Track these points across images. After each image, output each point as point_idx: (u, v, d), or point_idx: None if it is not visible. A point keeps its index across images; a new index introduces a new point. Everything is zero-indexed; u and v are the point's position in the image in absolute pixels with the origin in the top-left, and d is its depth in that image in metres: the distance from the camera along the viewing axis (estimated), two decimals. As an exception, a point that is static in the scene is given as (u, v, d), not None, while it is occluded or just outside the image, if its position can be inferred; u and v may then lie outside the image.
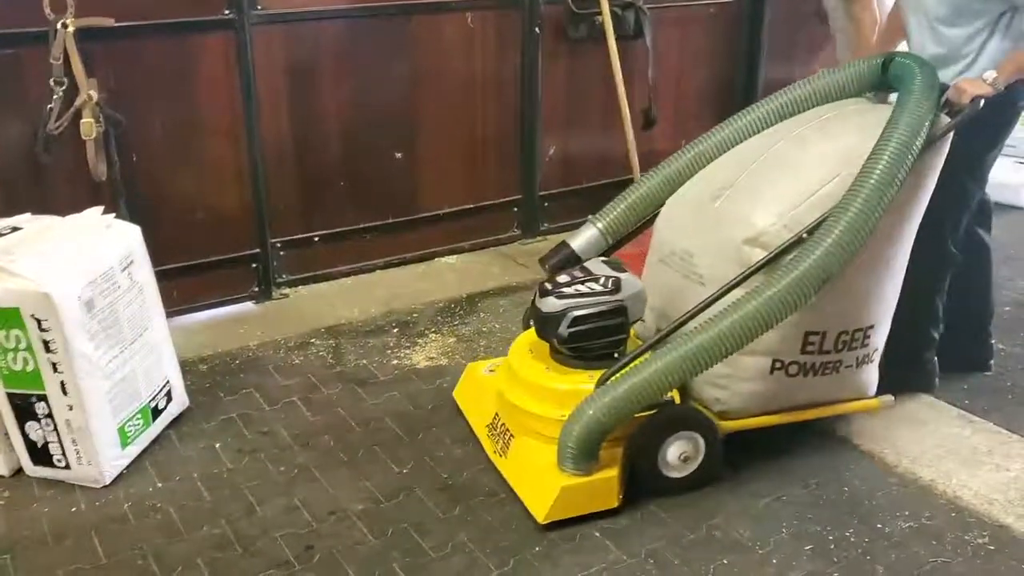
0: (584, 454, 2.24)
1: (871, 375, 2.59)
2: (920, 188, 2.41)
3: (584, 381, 2.34)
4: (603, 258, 2.58)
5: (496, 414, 2.54)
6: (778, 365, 2.41)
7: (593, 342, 2.36)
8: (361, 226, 3.72)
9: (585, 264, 2.52)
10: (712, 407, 2.45)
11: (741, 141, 2.65)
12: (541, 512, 2.25)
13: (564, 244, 2.68)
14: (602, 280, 2.39)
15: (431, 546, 2.24)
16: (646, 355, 2.29)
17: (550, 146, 4.03)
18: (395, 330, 3.32)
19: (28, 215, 2.70)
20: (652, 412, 2.30)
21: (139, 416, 2.58)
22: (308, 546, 2.24)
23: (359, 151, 3.65)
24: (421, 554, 2.21)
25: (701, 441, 2.37)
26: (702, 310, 2.33)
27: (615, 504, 2.29)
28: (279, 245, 3.57)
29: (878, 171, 2.22)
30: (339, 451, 2.62)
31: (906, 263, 2.50)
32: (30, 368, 2.37)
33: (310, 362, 3.12)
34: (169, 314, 2.79)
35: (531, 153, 4.00)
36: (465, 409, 2.75)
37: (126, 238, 2.62)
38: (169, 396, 2.73)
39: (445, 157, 3.84)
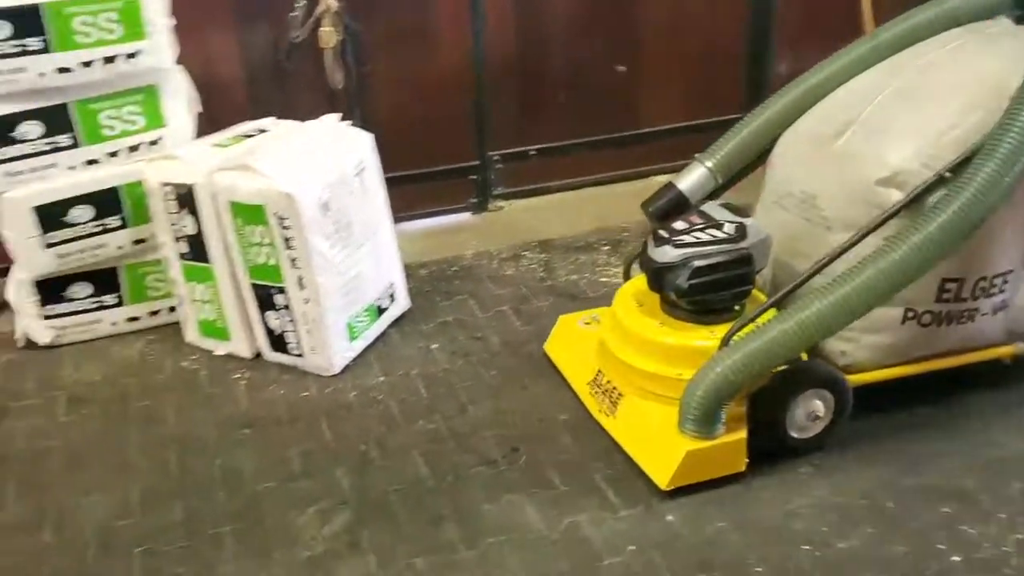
0: (709, 416, 2.08)
1: (1005, 322, 2.36)
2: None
3: (703, 337, 2.18)
4: (720, 202, 2.38)
5: (599, 370, 2.41)
6: (911, 315, 2.22)
7: (715, 295, 2.19)
8: (578, 141, 3.71)
9: (703, 208, 2.33)
10: (837, 360, 2.27)
11: (859, 72, 2.42)
12: (663, 478, 2.10)
13: (670, 186, 2.49)
14: (725, 226, 2.21)
15: (632, 466, 2.26)
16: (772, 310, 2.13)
17: (781, 63, 3.83)
18: (606, 247, 3.33)
19: (272, 119, 2.90)
20: (780, 369, 2.13)
21: (366, 313, 2.75)
22: (514, 448, 2.33)
23: (581, 64, 3.63)
24: (624, 474, 2.23)
25: (831, 398, 2.20)
26: (835, 258, 2.14)
27: (742, 468, 2.15)
28: (496, 158, 3.63)
29: None
30: (547, 362, 2.69)
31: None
32: (272, 262, 2.57)
33: (521, 274, 3.19)
34: (393, 220, 2.93)
35: (761, 70, 3.82)
36: (560, 364, 2.61)
37: (360, 145, 2.75)
38: (393, 297, 2.89)
39: (668, 71, 3.74)
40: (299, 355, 2.68)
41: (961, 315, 2.28)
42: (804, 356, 2.19)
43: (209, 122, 2.91)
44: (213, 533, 2.09)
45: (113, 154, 2.77)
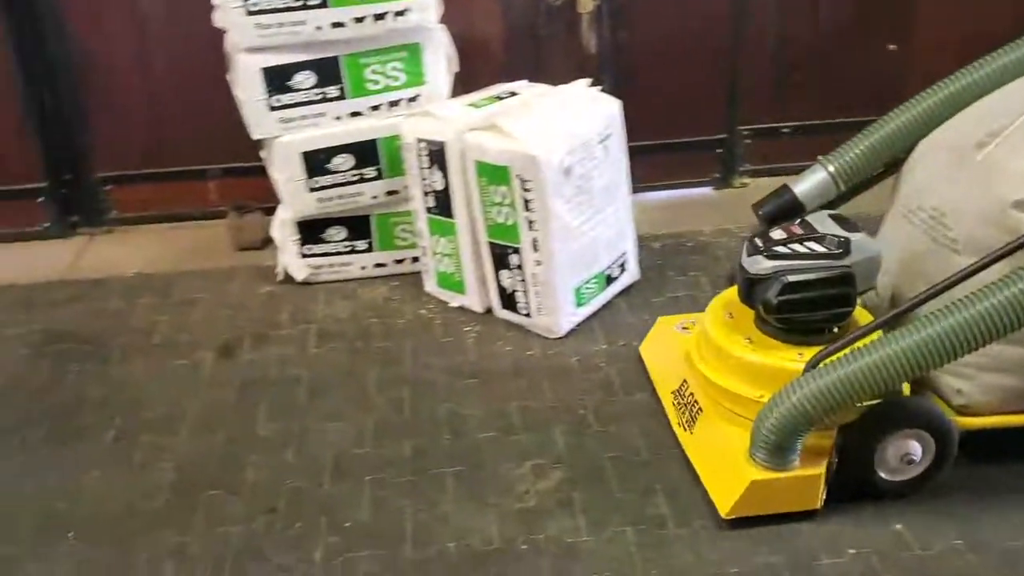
0: (782, 446, 1.89)
1: None
2: None
3: (791, 359, 1.97)
4: (830, 212, 2.14)
5: (684, 381, 2.26)
6: None
7: (808, 314, 1.97)
8: (835, 121, 3.51)
9: (808, 218, 2.09)
10: (951, 399, 2.01)
11: (1011, 80, 2.13)
12: (725, 506, 1.95)
13: (785, 188, 2.25)
14: (827, 239, 1.98)
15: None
16: (874, 334, 1.88)
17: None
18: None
19: (525, 82, 2.95)
20: (874, 403, 1.90)
21: (595, 280, 2.77)
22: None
23: (846, 40, 3.42)
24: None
25: (932, 442, 1.94)
26: (953, 285, 1.86)
27: (816, 506, 1.95)
28: (746, 133, 3.52)
29: None
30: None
31: None
32: (510, 223, 2.63)
33: (760, 255, 3.09)
34: (632, 189, 2.92)
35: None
36: (650, 368, 2.46)
37: (607, 111, 2.75)
38: (623, 267, 2.88)
39: (943, 54, 3.45)
40: (527, 315, 2.74)
41: None
42: (907, 390, 1.97)
43: (465, 82, 3.01)
44: (436, 473, 2.20)
45: (375, 108, 2.93)
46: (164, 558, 1.99)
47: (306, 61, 2.83)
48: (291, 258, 3.08)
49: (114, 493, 2.19)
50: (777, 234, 2.05)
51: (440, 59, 2.96)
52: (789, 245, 2.00)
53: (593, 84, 2.86)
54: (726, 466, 2.02)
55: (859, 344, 1.86)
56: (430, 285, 2.99)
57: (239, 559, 1.98)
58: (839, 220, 2.09)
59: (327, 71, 2.86)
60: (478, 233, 2.73)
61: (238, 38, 2.80)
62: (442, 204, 2.78)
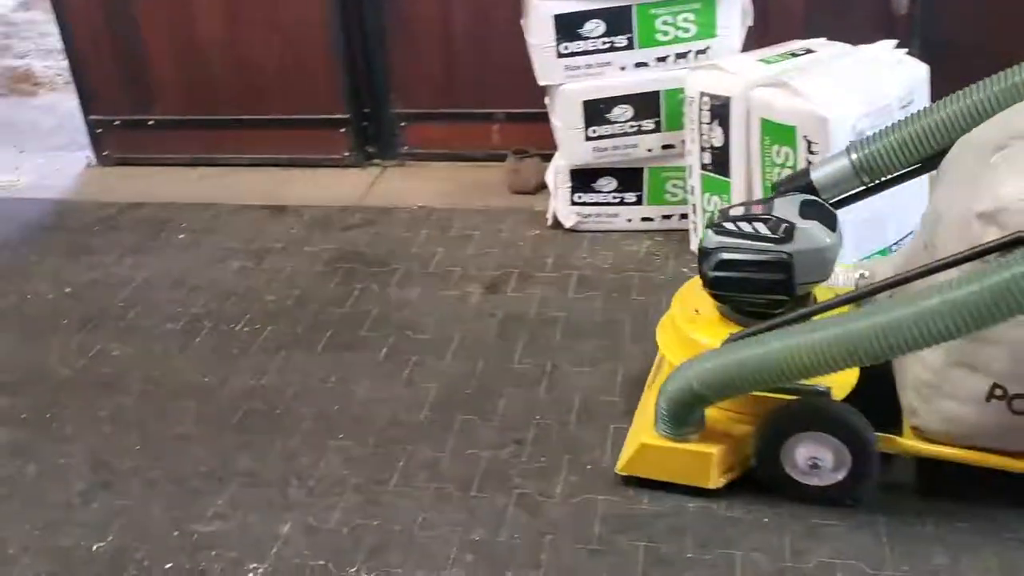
0: (674, 418, 1.92)
1: None
2: None
3: (717, 337, 1.89)
4: (806, 196, 1.97)
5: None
6: (999, 393, 1.76)
7: (741, 294, 1.93)
8: None
9: (778, 199, 1.97)
10: (909, 417, 1.89)
11: None
12: (620, 462, 2.03)
13: (805, 171, 2.06)
14: (773, 223, 1.89)
15: None
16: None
17: None
18: None
19: (823, 40, 2.79)
20: (791, 398, 1.87)
21: (878, 256, 2.59)
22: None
23: None
24: None
25: (845, 451, 1.86)
26: (883, 289, 1.76)
27: (711, 485, 1.95)
28: None
29: None
30: None
31: None
32: (790, 186, 2.52)
33: None
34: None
35: None
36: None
37: (912, 76, 2.55)
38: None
39: None
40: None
41: None
42: (845, 389, 1.88)
43: (759, 37, 2.90)
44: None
45: (661, 59, 2.90)
46: (418, 468, 2.14)
47: (598, 9, 2.84)
48: (561, 205, 3.14)
49: (381, 403, 2.37)
50: (736, 210, 1.99)
51: (734, 12, 2.87)
52: (740, 223, 1.94)
53: (899, 46, 2.65)
54: (639, 427, 2.06)
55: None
56: (695, 244, 2.93)
57: (485, 482, 2.07)
58: (809, 205, 1.95)
59: (618, 20, 2.86)
60: (753, 194, 2.64)
61: (535, -16, 2.86)
62: (718, 162, 2.71)
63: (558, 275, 2.91)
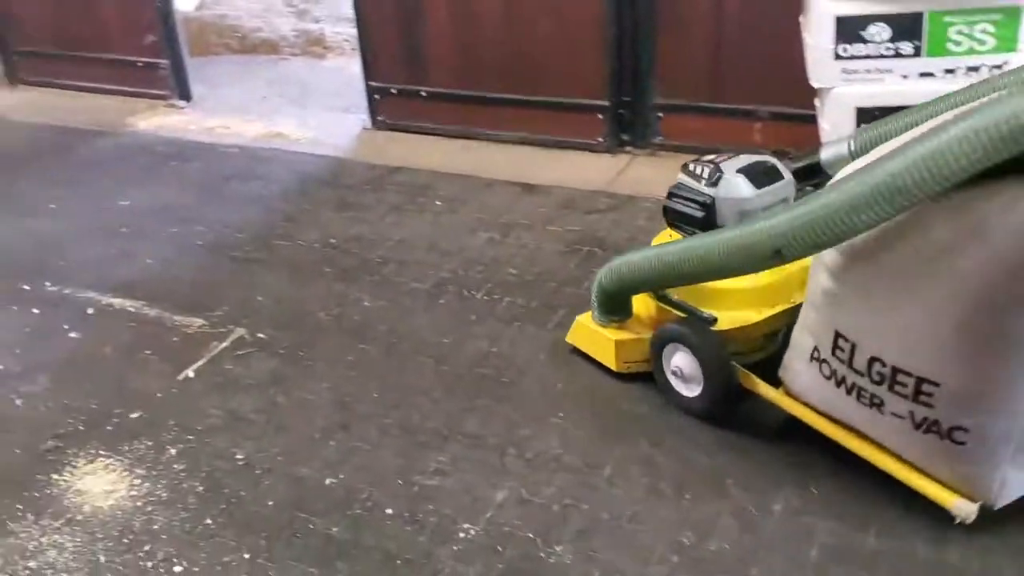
0: (600, 306, 2.38)
1: (963, 458, 1.77)
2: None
3: None
4: (765, 156, 2.29)
5: None
6: (816, 355, 1.96)
7: (679, 225, 2.31)
8: None
9: (749, 154, 2.30)
10: (780, 372, 2.12)
11: None
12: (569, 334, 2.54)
13: (815, 150, 2.42)
14: (711, 169, 2.24)
15: None
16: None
17: None
18: None
19: None
20: (682, 316, 2.26)
21: None
22: None
23: None
24: None
25: (700, 370, 2.18)
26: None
27: (614, 368, 2.39)
28: None
29: None
30: None
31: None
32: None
33: None
34: None
35: None
36: None
37: None
38: None
39: None
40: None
41: (862, 393, 1.88)
42: (736, 323, 2.19)
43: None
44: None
45: (950, 71, 2.69)
46: (634, 461, 2.14)
47: (886, 14, 2.68)
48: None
49: (604, 389, 2.39)
50: (707, 157, 2.30)
51: (1042, 25, 2.60)
52: (696, 165, 2.27)
53: None
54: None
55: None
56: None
57: (699, 486, 2.05)
58: (757, 165, 2.24)
59: (906, 26, 2.68)
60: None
61: (819, -17, 2.74)
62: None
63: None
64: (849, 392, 1.91)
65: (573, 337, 2.53)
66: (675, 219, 2.31)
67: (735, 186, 2.21)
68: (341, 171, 3.92)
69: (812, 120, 2.97)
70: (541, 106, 3.86)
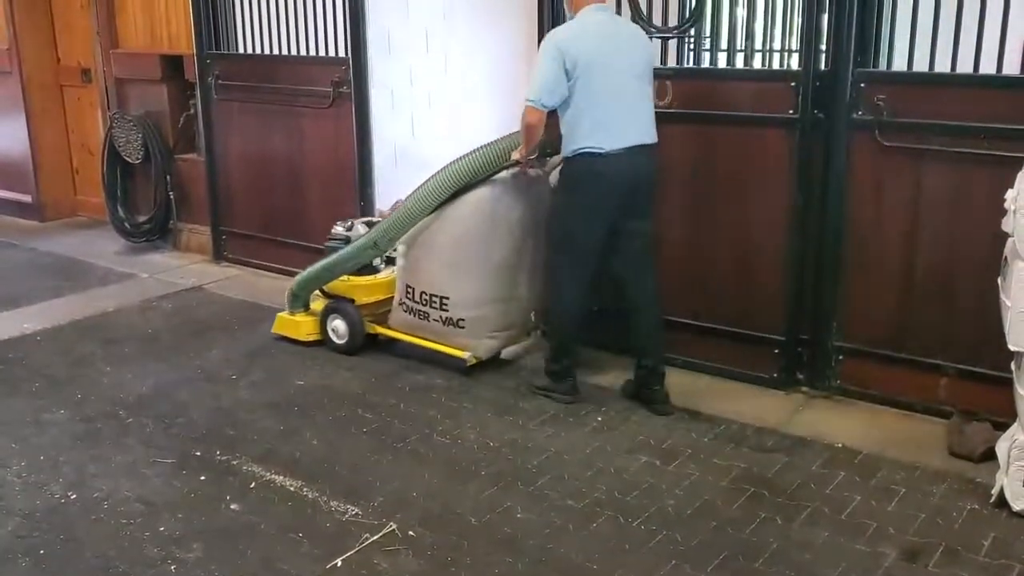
0: (291, 301, 4.27)
1: (465, 334, 3.82)
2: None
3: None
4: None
5: None
6: (399, 301, 3.98)
7: (333, 247, 4.20)
8: None
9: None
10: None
11: None
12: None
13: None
14: (346, 225, 4.25)
15: None
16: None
17: None
18: None
19: None
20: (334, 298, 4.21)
21: None
22: None
23: None
24: None
25: (346, 326, 4.11)
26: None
27: (302, 338, 4.24)
28: None
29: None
30: None
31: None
32: None
33: None
34: None
35: None
36: None
37: None
38: None
39: None
40: None
41: (420, 313, 3.89)
42: (363, 299, 4.16)
43: None
44: None
45: None
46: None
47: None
48: (1012, 483, 2.77)
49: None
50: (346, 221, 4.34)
51: None
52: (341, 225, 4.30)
53: None
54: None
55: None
56: None
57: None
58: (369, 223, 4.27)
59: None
60: None
61: (1021, 245, 2.65)
62: None
63: (994, 563, 2.55)
64: (415, 315, 3.91)
65: (277, 326, 4.31)
66: (332, 247, 4.15)
67: (357, 232, 4.14)
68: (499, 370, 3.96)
69: (1004, 383, 2.80)
70: (715, 334, 3.79)
